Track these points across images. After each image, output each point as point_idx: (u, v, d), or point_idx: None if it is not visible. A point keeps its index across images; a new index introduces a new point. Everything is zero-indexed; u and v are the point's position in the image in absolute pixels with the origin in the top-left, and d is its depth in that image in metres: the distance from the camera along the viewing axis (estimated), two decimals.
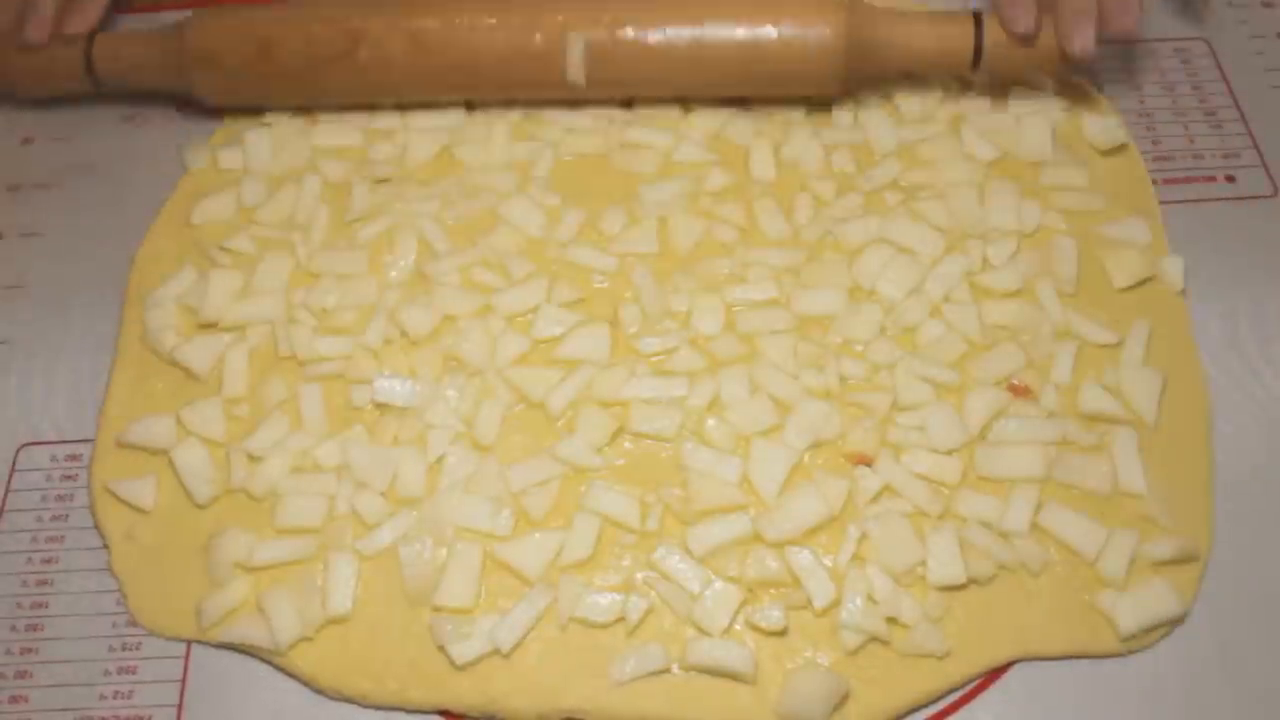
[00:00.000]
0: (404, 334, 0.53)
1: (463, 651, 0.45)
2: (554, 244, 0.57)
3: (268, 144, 0.61)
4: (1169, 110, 0.64)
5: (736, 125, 0.61)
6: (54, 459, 0.53)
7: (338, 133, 0.62)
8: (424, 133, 0.61)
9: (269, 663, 0.47)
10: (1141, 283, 0.55)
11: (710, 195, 0.58)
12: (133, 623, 0.48)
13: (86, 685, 0.47)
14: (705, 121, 0.61)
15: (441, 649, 0.46)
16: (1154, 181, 0.60)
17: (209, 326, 0.54)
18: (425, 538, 0.47)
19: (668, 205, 0.57)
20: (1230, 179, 0.61)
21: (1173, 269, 0.55)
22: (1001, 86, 0.62)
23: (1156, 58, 0.66)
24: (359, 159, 0.61)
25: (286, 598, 0.47)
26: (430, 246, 0.57)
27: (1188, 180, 0.61)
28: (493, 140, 0.60)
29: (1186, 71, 0.66)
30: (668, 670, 0.45)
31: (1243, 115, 0.64)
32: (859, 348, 0.52)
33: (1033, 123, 0.60)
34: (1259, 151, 0.62)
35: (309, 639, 0.46)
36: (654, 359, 0.52)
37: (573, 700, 0.45)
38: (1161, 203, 0.59)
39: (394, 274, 0.56)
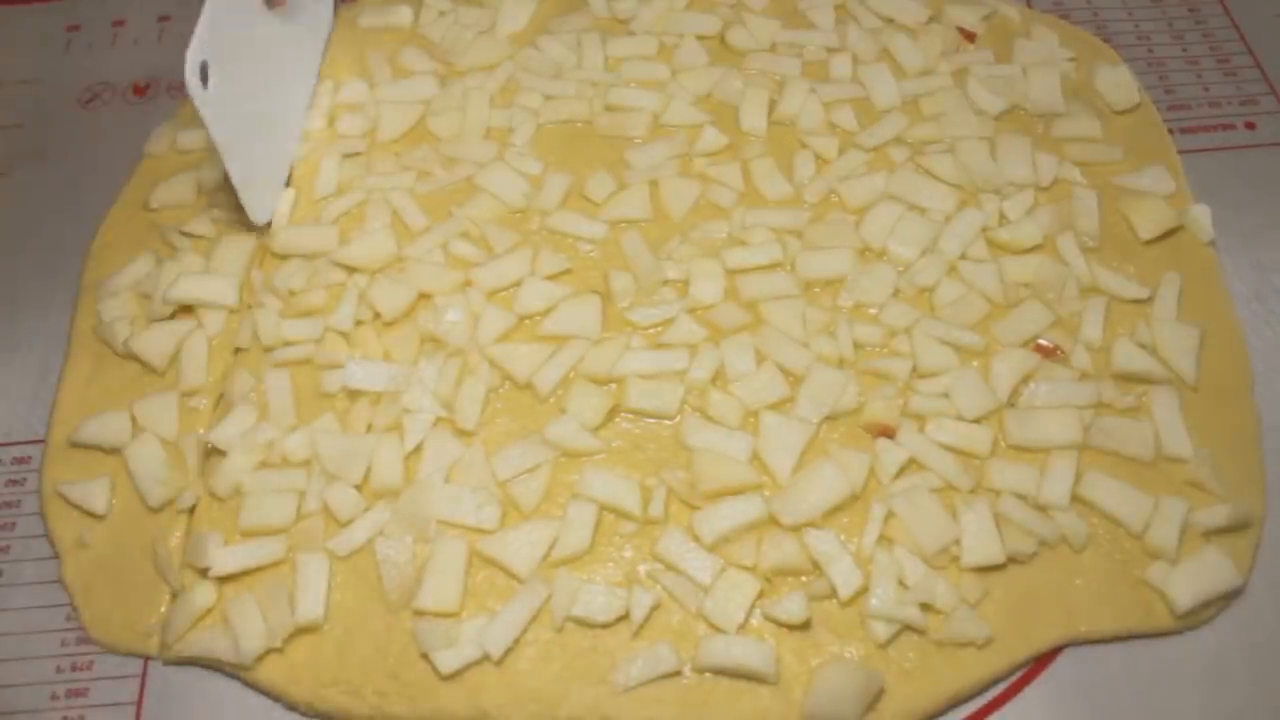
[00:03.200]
0: (377, 314, 0.50)
1: (449, 659, 0.42)
2: (537, 213, 0.54)
3: None
4: (1180, 59, 0.63)
5: (728, 84, 0.58)
6: (0, 462, 0.50)
7: (303, 111, 0.59)
8: (396, 105, 0.58)
9: (235, 678, 0.44)
10: (1168, 234, 0.53)
11: (704, 156, 0.56)
12: (84, 639, 0.45)
13: (31, 712, 0.44)
14: (695, 82, 0.58)
15: (425, 657, 0.42)
16: (1170, 131, 0.58)
17: (166, 316, 0.51)
18: (404, 534, 0.44)
19: (658, 168, 0.55)
20: (1251, 125, 0.60)
21: (1201, 218, 0.53)
22: (1004, 38, 0.60)
23: (1163, 7, 0.65)
24: (327, 135, 0.58)
25: (253, 605, 0.43)
26: (403, 220, 0.53)
27: (1206, 129, 0.60)
28: (469, 109, 0.57)
29: (1195, 20, 0.65)
30: (679, 673, 0.42)
31: (1258, 63, 0.62)
32: (872, 311, 0.50)
33: (1040, 74, 0.58)
34: (1279, 97, 0.61)
35: (278, 650, 0.43)
36: (650, 331, 0.49)
37: (573, 709, 0.41)
38: (1180, 152, 0.57)
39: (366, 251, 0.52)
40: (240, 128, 0.50)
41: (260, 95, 0.53)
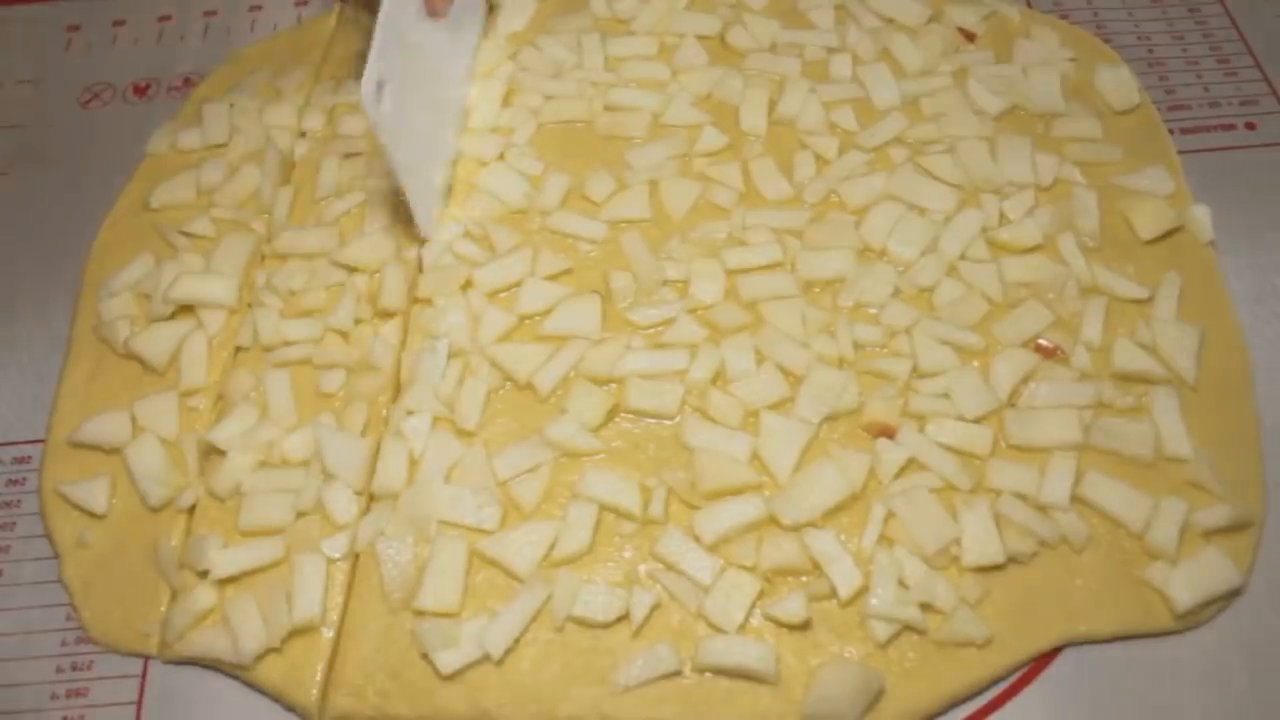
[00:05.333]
0: (377, 313, 0.50)
1: (450, 659, 0.42)
2: (537, 213, 0.54)
3: (228, 122, 0.59)
4: (1180, 59, 0.63)
5: (728, 84, 0.58)
6: (0, 462, 0.50)
7: (303, 110, 0.59)
8: None
9: (235, 678, 0.44)
10: (1168, 234, 0.52)
11: (704, 156, 0.56)
12: (84, 639, 0.45)
13: (33, 711, 0.44)
14: (695, 81, 0.58)
15: (426, 657, 0.42)
16: (1170, 131, 0.58)
17: (166, 315, 0.51)
18: (405, 534, 0.44)
19: (658, 168, 0.55)
20: (1251, 126, 0.60)
21: (1201, 218, 0.53)
22: (1004, 38, 0.60)
23: (1163, 7, 0.65)
24: (327, 135, 0.58)
25: (252, 605, 0.43)
26: (405, 221, 0.53)
27: (1206, 129, 0.59)
28: (471, 109, 0.57)
29: (1195, 20, 0.65)
30: (679, 673, 0.42)
31: (1258, 63, 0.62)
32: (872, 311, 0.50)
33: (1041, 74, 0.58)
34: (1279, 98, 0.60)
35: (277, 650, 0.43)
36: (650, 331, 0.49)
37: (573, 709, 0.41)
38: (1180, 152, 0.57)
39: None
40: (410, 145, 0.50)
41: (423, 108, 0.52)
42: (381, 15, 0.47)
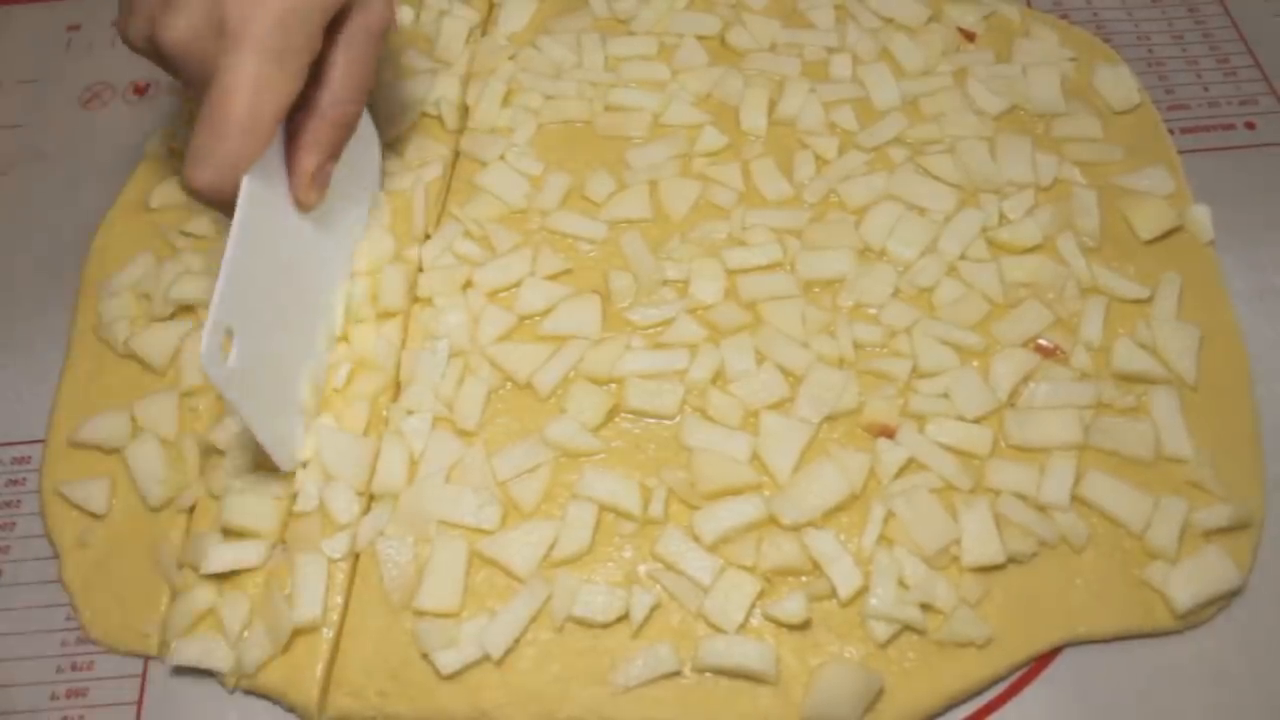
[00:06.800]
0: (377, 313, 0.50)
1: (449, 659, 0.42)
2: (537, 213, 0.54)
3: None
4: (1180, 59, 0.63)
5: (728, 84, 0.58)
6: (0, 462, 0.50)
7: None
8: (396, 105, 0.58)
9: None
10: (1168, 234, 0.52)
11: (704, 156, 0.56)
12: (84, 639, 0.45)
13: (31, 712, 0.44)
14: (695, 81, 0.58)
15: (426, 657, 0.42)
16: (1170, 131, 0.58)
17: (166, 315, 0.51)
18: (404, 534, 0.44)
19: (658, 168, 0.55)
20: (1250, 126, 0.60)
21: (1200, 218, 0.53)
22: (1004, 38, 0.60)
23: (1163, 7, 0.65)
24: None
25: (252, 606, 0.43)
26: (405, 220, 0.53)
27: (1206, 129, 0.59)
28: (471, 109, 0.57)
29: (1195, 20, 0.65)
30: (678, 673, 0.42)
31: (1258, 62, 0.62)
32: (872, 311, 0.50)
33: (1041, 74, 0.58)
34: (1279, 98, 0.60)
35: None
36: (650, 331, 0.49)
37: (573, 709, 0.41)
38: (1180, 152, 0.57)
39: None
40: (266, 381, 0.41)
41: (285, 324, 0.43)
42: (229, 253, 0.38)
